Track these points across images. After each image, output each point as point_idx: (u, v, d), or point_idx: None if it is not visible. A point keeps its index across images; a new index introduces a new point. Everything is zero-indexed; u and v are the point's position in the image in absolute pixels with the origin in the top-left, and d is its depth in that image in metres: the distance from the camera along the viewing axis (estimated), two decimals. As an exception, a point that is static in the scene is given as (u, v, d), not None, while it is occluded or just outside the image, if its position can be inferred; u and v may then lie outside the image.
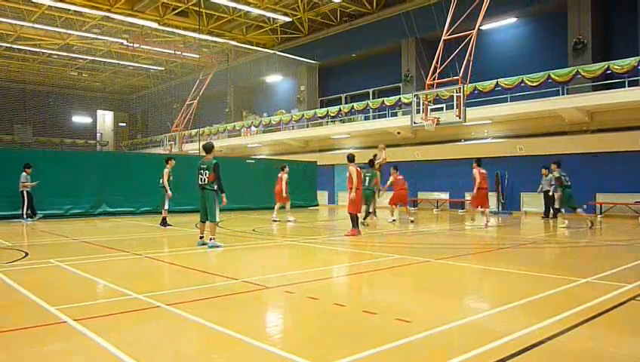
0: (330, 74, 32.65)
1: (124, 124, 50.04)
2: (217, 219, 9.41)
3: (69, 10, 26.54)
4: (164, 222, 13.68)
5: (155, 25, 28.58)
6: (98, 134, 49.16)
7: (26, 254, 8.40)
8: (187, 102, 36.01)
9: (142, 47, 31.36)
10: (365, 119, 27.31)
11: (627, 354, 3.69)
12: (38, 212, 15.85)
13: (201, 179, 9.45)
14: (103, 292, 5.86)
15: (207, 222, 9.45)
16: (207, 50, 34.17)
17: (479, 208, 15.54)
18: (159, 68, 39.46)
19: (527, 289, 5.81)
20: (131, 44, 30.88)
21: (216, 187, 9.32)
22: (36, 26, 28.66)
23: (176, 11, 28.25)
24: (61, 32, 30.37)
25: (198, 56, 34.05)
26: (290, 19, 29.54)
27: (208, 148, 9.60)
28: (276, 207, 16.97)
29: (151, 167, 19.75)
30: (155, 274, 7.08)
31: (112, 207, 18.22)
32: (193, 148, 36.65)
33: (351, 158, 12.07)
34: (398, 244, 11.05)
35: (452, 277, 6.91)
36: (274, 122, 32.50)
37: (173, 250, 9.47)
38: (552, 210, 16.97)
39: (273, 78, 36.09)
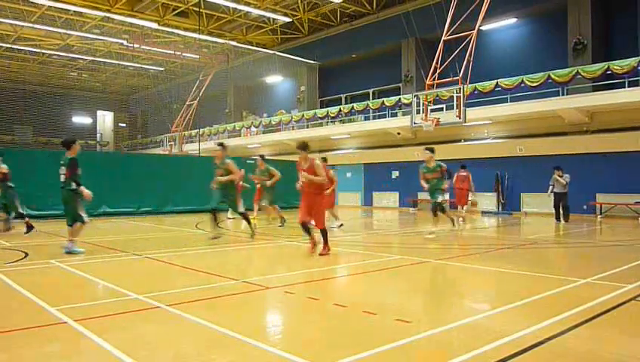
0: (331, 74, 32.67)
1: (124, 125, 50.03)
2: (85, 220, 8.57)
3: (69, 10, 26.55)
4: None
5: (155, 25, 28.59)
6: (98, 135, 49.15)
7: (26, 255, 8.40)
8: (187, 103, 36.01)
9: (142, 47, 31.34)
10: (365, 119, 27.33)
11: (627, 354, 3.69)
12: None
13: (60, 177, 8.55)
14: (103, 293, 5.86)
15: (72, 226, 8.52)
16: (207, 51, 34.18)
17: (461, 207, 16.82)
18: (159, 68, 39.47)
19: (527, 290, 5.81)
20: (131, 45, 30.87)
21: (74, 185, 8.36)
22: (36, 26, 28.65)
23: (176, 12, 28.26)
24: (61, 33, 30.37)
25: (198, 56, 34.05)
26: (290, 20, 29.56)
27: (66, 144, 8.56)
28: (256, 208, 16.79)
29: (151, 168, 19.83)
30: (155, 275, 7.08)
31: (112, 207, 18.21)
32: (193, 148, 36.66)
33: (303, 147, 8.69)
34: (398, 245, 11.05)
35: (452, 278, 6.91)
36: (274, 123, 32.51)
37: (173, 251, 9.46)
38: (562, 212, 16.08)
39: (273, 79, 36.12)
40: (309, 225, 8.52)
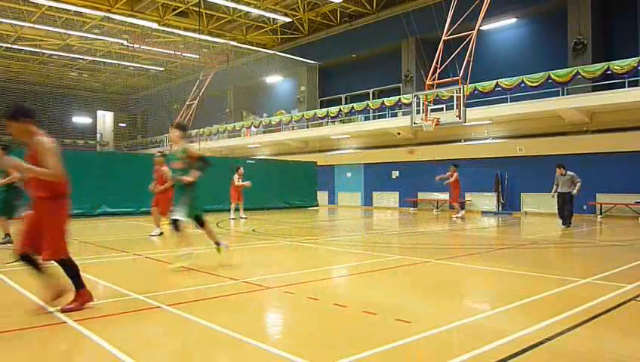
0: (330, 74, 32.67)
1: (124, 125, 50.03)
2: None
3: (70, 10, 26.54)
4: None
5: (155, 25, 28.59)
6: (98, 134, 49.15)
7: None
8: (187, 103, 36.01)
9: (142, 47, 31.32)
10: (365, 119, 27.34)
11: (628, 354, 3.70)
12: None
13: None
14: (104, 293, 5.85)
15: None
16: (207, 51, 34.18)
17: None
18: (159, 68, 39.47)
19: (527, 290, 5.81)
20: (131, 45, 30.85)
21: None
22: (36, 26, 28.66)
23: (176, 12, 28.27)
24: (61, 33, 30.37)
25: (198, 56, 34.03)
26: (291, 20, 29.57)
27: None
28: (232, 207, 17.23)
29: (151, 168, 19.79)
30: (155, 275, 7.08)
31: (112, 207, 18.22)
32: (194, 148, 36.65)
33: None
34: (398, 245, 11.06)
35: (452, 278, 6.91)
36: (274, 122, 32.52)
37: (174, 250, 9.44)
38: (567, 214, 14.36)
39: (273, 79, 36.13)
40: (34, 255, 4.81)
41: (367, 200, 28.03)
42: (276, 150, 32.85)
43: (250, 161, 25.47)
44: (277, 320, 4.85)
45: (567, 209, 14.32)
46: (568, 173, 14.22)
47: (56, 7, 25.86)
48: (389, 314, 4.68)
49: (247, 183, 16.86)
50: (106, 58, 36.33)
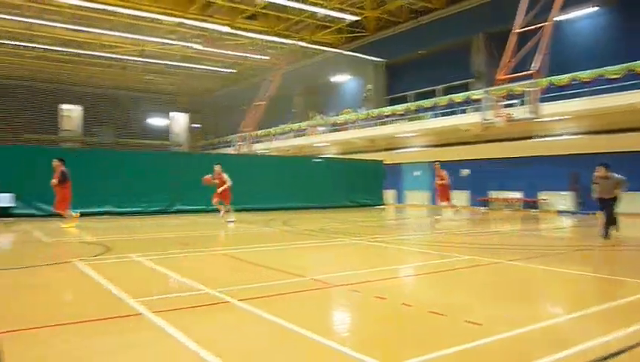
0: (397, 72, 32.33)
1: (197, 125, 51.89)
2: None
3: (147, 18, 27.87)
4: None
5: (226, 29, 29.42)
6: (173, 135, 51.29)
7: (108, 249, 8.91)
8: (256, 103, 36.83)
9: (213, 50, 32.40)
10: (434, 117, 26.85)
11: None
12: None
13: None
14: (178, 287, 6.11)
15: None
16: (276, 52, 34.78)
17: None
18: (230, 70, 40.58)
19: (605, 294, 5.51)
20: (203, 48, 31.99)
21: None
22: (116, 33, 30.29)
23: (245, 14, 28.97)
24: (139, 39, 31.92)
25: (266, 57, 34.73)
26: (357, 18, 29.52)
27: None
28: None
29: (223, 167, 20.45)
30: (226, 270, 7.31)
31: (186, 204, 18.97)
32: (262, 148, 37.46)
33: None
34: (468, 245, 10.79)
35: (525, 280, 6.66)
36: (340, 121, 32.61)
37: (243, 247, 9.72)
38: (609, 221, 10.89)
39: (340, 78, 36.22)
40: None
41: (436, 200, 27.48)
42: (343, 149, 32.93)
43: (317, 160, 25.69)
44: (344, 318, 4.88)
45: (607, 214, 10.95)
46: (614, 175, 11.02)
47: (134, 16, 27.24)
48: (458, 315, 4.59)
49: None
50: (180, 62, 37.80)
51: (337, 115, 34.04)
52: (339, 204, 22.78)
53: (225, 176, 14.85)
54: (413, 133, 27.93)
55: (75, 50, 33.88)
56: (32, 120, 41.80)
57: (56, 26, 29.38)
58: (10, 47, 33.66)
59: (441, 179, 16.54)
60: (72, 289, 6.06)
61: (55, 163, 13.29)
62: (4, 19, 27.93)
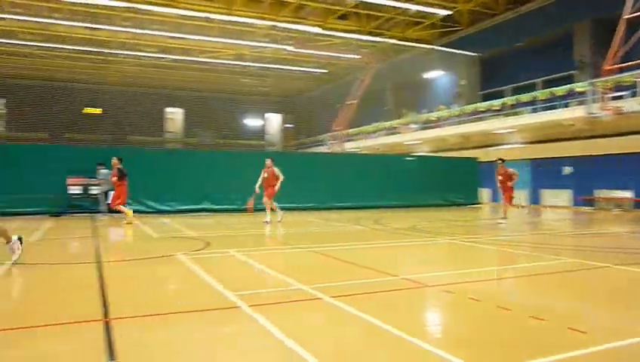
0: (492, 66, 31.08)
1: (290, 125, 53.21)
2: None
3: (242, 23, 29.01)
4: None
5: (318, 30, 29.88)
6: (267, 136, 52.98)
7: (208, 244, 9.40)
8: (348, 102, 37.04)
9: (305, 51, 33.05)
10: (533, 112, 25.51)
11: None
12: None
13: None
14: (272, 282, 6.33)
15: None
16: (367, 50, 34.77)
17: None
18: (322, 70, 41.14)
19: None
20: (295, 50, 32.72)
21: None
22: (213, 39, 31.82)
23: (337, 15, 29.23)
24: (235, 44, 33.29)
25: (358, 56, 34.83)
26: (450, 13, 28.74)
27: None
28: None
29: (314, 166, 20.85)
30: (318, 267, 7.44)
31: (282, 202, 19.48)
32: (353, 146, 37.62)
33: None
34: (571, 247, 10.17)
35: (635, 286, 6.17)
36: (433, 118, 31.95)
37: (334, 245, 9.84)
38: None
39: (432, 74, 35.50)
40: None
41: (535, 199, 26.15)
42: (435, 146, 32.25)
43: (409, 158, 25.38)
44: (437, 319, 4.81)
45: None
46: None
47: (230, 21, 28.47)
48: (560, 321, 4.36)
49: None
50: (274, 64, 38.91)
51: (430, 112, 33.38)
52: (431, 202, 22.34)
53: (277, 171, 14.29)
54: (510, 129, 26.71)
55: (178, 57, 36.03)
56: (140, 122, 44.95)
57: (160, 35, 31.41)
58: (121, 57, 36.47)
59: (507, 179, 15.00)
60: (176, 281, 6.48)
61: (114, 161, 14.08)
62: (118, 30, 30.31)
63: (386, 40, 32.17)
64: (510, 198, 15.18)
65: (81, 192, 16.73)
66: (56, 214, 15.99)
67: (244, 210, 15.25)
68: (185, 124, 49.12)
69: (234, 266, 7.40)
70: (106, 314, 4.54)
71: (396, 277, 6.35)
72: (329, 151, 37.36)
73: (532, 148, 25.87)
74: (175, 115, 49.30)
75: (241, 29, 30.72)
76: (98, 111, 44.42)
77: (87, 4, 25.67)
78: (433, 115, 32.10)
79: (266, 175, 14.19)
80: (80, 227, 13.03)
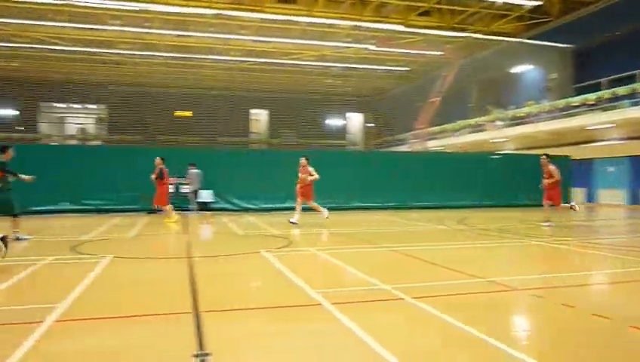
0: (586, 57, 29.17)
1: (372, 124, 53.10)
2: (15, 211, 9.52)
3: (324, 24, 29.32)
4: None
5: (400, 27, 29.57)
6: (349, 135, 53.20)
7: (290, 242, 9.61)
8: (430, 100, 36.36)
9: (387, 50, 32.83)
10: (634, 105, 23.69)
11: None
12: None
13: None
14: (354, 280, 6.36)
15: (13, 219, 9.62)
16: (450, 46, 33.93)
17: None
18: (404, 68, 40.68)
19: None
20: (377, 49, 32.59)
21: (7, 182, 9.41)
22: (295, 41, 32.41)
23: (419, 11, 28.77)
24: (317, 45, 33.72)
25: (441, 53, 34.09)
26: (539, 3, 27.36)
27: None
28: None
29: (394, 165, 20.67)
30: (400, 267, 7.38)
31: (362, 201, 19.54)
32: (436, 145, 36.87)
33: None
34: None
35: None
36: (520, 115, 30.56)
37: (416, 245, 9.70)
38: None
39: (519, 68, 33.95)
40: None
41: (635, 199, 24.29)
42: (523, 144, 30.83)
43: (495, 156, 24.48)
44: (526, 325, 4.62)
45: None
46: None
47: (313, 23, 28.87)
48: (663, 331, 4.04)
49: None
50: (355, 64, 38.99)
51: (517, 108, 31.96)
52: (518, 202, 21.38)
53: (311, 169, 13.44)
54: (608, 125, 24.99)
55: (262, 60, 37.07)
56: (227, 124, 46.71)
57: (245, 40, 32.48)
58: (208, 62, 38.09)
59: (550, 177, 13.42)
60: (260, 277, 6.69)
61: (157, 160, 14.43)
62: (206, 37, 31.70)
63: (470, 35, 31.20)
64: (550, 198, 13.46)
65: (172, 191, 17.68)
66: (151, 212, 17.00)
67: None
68: (269, 125, 50.51)
69: (316, 264, 7.51)
70: (195, 306, 4.79)
71: (482, 279, 6.16)
72: (411, 149, 36.85)
73: (632, 145, 24.05)
74: (260, 116, 50.89)
75: (323, 30, 31.07)
76: (188, 114, 46.71)
77: (178, 12, 27.05)
78: (521, 111, 30.70)
79: (302, 175, 13.46)
80: (173, 224, 13.77)
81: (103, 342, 3.88)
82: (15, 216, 9.72)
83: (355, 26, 29.54)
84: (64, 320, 4.31)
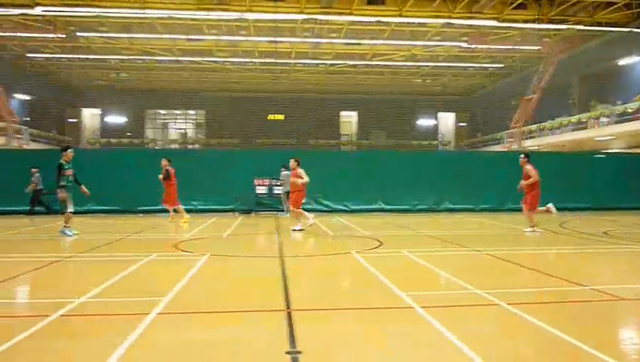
0: None
1: (464, 124, 51.57)
2: (68, 210, 10.64)
3: (415, 23, 28.93)
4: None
5: (494, 23, 28.49)
6: (440, 135, 52.09)
7: (381, 243, 9.58)
8: (526, 97, 34.68)
9: (480, 47, 31.76)
10: None
11: None
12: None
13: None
14: (445, 284, 6.23)
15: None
16: (548, 40, 32.15)
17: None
18: (498, 65, 39.16)
19: None
20: (470, 46, 31.63)
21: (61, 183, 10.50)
22: (385, 42, 32.28)
23: (514, 5, 27.54)
24: (407, 45, 33.34)
25: (538, 47, 32.42)
26: (652, -12, 25.21)
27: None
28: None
29: (488, 165, 19.88)
30: (496, 271, 7.10)
31: (453, 203, 19.05)
32: (533, 144, 35.07)
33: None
34: None
35: None
36: (631, 110, 28.25)
37: (515, 249, 9.29)
38: None
39: (627, 60, 31.39)
40: None
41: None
42: (634, 142, 28.50)
43: (600, 156, 22.86)
44: (635, 338, 4.28)
45: None
46: None
47: (402, 23, 28.58)
48: None
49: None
50: (446, 62, 38.10)
51: (626, 103, 29.56)
52: (628, 205, 19.79)
53: (301, 171, 12.17)
54: None
55: (352, 62, 37.28)
56: (318, 126, 47.43)
57: (334, 42, 32.86)
58: (299, 66, 38.96)
59: (525, 178, 11.68)
60: (351, 278, 6.75)
61: (163, 162, 14.49)
62: (298, 41, 32.47)
63: (571, 27, 29.33)
64: (528, 202, 11.68)
65: (266, 192, 18.28)
66: (245, 212, 17.69)
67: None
68: (359, 126, 50.68)
69: (406, 266, 7.44)
70: (288, 305, 4.93)
71: (584, 287, 5.79)
72: (506, 149, 35.31)
73: None
74: (349, 118, 51.23)
75: (413, 29, 30.68)
76: (280, 117, 48.02)
77: (271, 19, 27.91)
78: (632, 106, 28.36)
79: (292, 179, 12.39)
80: (265, 224, 14.23)
81: (200, 334, 4.11)
82: (63, 213, 10.89)
83: (447, 23, 28.86)
84: (166, 313, 4.61)
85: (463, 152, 38.59)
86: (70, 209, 10.80)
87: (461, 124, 51.79)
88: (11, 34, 29.97)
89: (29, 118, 37.82)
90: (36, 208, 16.86)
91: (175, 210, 14.54)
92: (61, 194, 10.68)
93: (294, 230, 12.04)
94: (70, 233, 10.76)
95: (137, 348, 3.66)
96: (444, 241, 10.15)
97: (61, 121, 46.41)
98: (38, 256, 8.33)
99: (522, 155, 12.09)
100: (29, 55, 35.96)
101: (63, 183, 10.69)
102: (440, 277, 6.58)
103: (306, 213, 12.23)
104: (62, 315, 4.49)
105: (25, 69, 39.18)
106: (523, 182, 11.69)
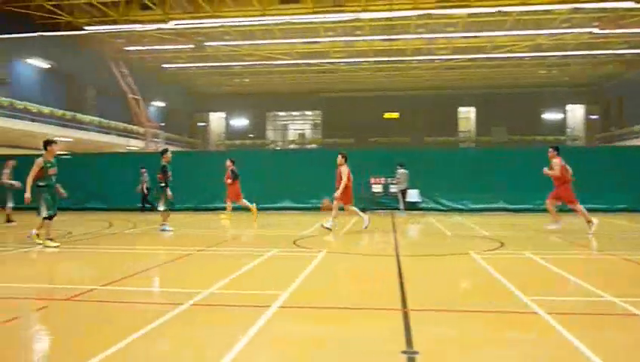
0: None
1: (596, 116, 47.34)
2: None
3: (540, 11, 27.13)
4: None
5: (630, 4, 25.82)
6: (568, 129, 48.44)
7: (502, 244, 9.16)
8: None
9: (614, 31, 29.02)
10: None
11: None
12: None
13: None
14: (574, 290, 5.80)
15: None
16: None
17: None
18: (636, 50, 35.46)
19: None
20: (602, 31, 29.01)
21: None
22: (507, 33, 30.64)
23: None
24: (531, 34, 31.39)
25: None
26: None
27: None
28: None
29: (624, 161, 18.01)
30: (634, 278, 6.48)
31: (583, 203, 17.30)
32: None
33: None
34: None
35: None
36: None
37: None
38: None
39: None
40: None
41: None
42: None
43: None
44: None
45: None
46: None
47: (526, 11, 26.93)
48: None
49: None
50: (575, 50, 35.32)
51: None
52: None
53: (344, 170, 11.67)
54: None
55: (471, 56, 35.91)
56: (434, 123, 46.33)
57: (451, 37, 31.92)
58: (415, 62, 38.40)
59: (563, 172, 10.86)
60: (470, 279, 6.54)
61: (228, 163, 14.59)
62: (413, 38, 32.05)
63: None
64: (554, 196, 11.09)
65: (382, 191, 18.29)
66: (361, 210, 17.80)
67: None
68: (477, 122, 48.76)
69: (530, 269, 7.04)
70: (404, 304, 4.91)
71: None
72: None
73: None
74: (468, 114, 49.48)
75: (537, 17, 28.80)
76: (395, 115, 47.63)
77: (385, 17, 27.80)
78: None
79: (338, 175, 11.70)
80: (381, 222, 14.24)
81: (316, 330, 4.24)
82: (158, 210, 11.71)
83: (575, 8, 26.69)
84: (286, 307, 4.81)
85: (594, 147, 35.50)
86: (163, 207, 11.60)
87: (593, 116, 47.58)
88: (149, 47, 33.14)
89: (163, 124, 41.49)
90: (145, 205, 18.41)
91: (225, 208, 15.02)
92: (169, 193, 11.43)
93: (324, 227, 11.48)
94: (168, 229, 11.60)
95: (257, 339, 3.86)
96: (573, 243, 9.46)
97: (192, 125, 50.39)
98: (172, 248, 9.10)
99: (551, 148, 11.36)
100: (163, 65, 39.34)
101: (163, 184, 11.52)
102: (568, 282, 6.14)
103: (361, 213, 11.92)
104: (192, 304, 4.87)
105: (160, 79, 42.93)
106: (547, 170, 11.03)
